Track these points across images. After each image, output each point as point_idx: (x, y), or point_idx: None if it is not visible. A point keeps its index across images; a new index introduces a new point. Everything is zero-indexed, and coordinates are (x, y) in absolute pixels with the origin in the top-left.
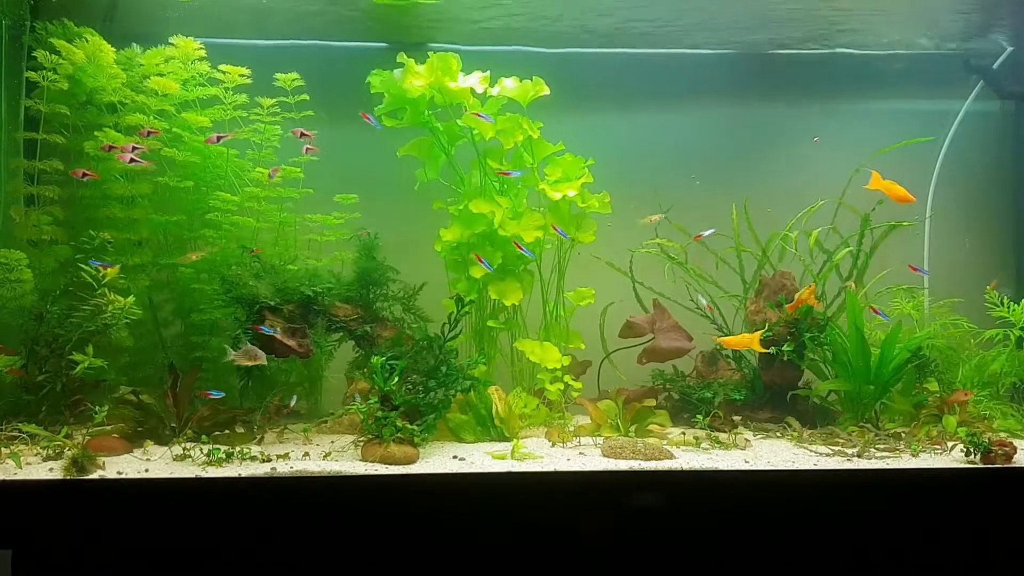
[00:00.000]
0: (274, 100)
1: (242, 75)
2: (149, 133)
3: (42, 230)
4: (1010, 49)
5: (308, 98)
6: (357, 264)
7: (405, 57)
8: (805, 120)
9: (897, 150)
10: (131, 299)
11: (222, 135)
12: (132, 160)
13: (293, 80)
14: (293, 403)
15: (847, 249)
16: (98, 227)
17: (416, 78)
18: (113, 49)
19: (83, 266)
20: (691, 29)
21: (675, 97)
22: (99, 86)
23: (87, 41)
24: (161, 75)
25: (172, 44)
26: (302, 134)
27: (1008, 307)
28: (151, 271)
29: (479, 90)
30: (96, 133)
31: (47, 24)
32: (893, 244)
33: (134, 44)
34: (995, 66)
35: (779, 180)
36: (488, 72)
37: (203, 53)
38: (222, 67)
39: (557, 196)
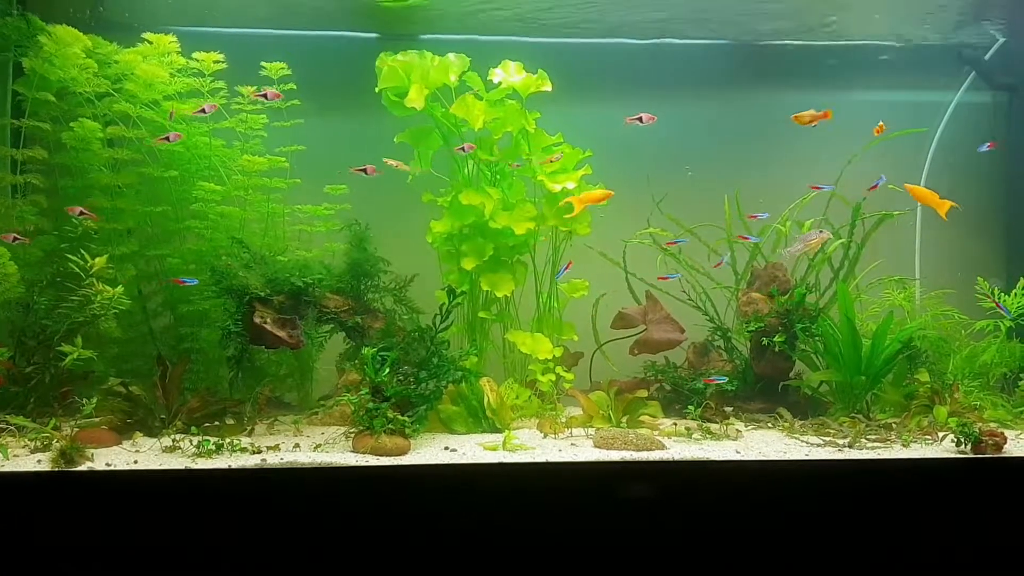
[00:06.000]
0: (254, 88)
1: (216, 61)
2: (171, 115)
3: (26, 220)
4: (1002, 40)
5: (295, 87)
6: (348, 255)
7: (388, 56)
8: (797, 111)
9: (889, 141)
10: (119, 289)
11: (176, 134)
12: (15, 239)
13: (280, 69)
14: None
15: (839, 240)
16: (83, 217)
17: (384, 81)
18: (88, 39)
19: (70, 256)
20: (684, 20)
21: (667, 88)
22: (70, 77)
23: (50, 35)
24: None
25: (147, 41)
26: (264, 95)
27: (998, 298)
28: (139, 262)
29: (452, 78)
30: (72, 124)
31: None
32: (884, 234)
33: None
34: (987, 57)
35: (771, 171)
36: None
37: (177, 47)
38: (196, 55)
39: (556, 188)
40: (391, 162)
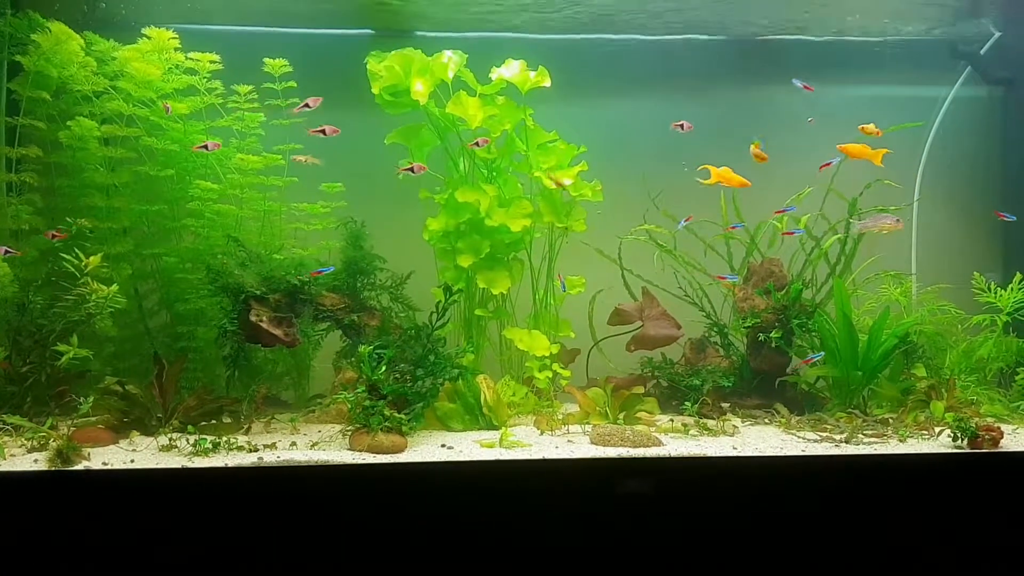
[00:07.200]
0: (250, 87)
1: (213, 61)
2: (167, 109)
3: (22, 219)
4: (997, 34)
5: (295, 85)
6: (344, 253)
7: (379, 55)
8: (793, 106)
9: (885, 135)
10: (115, 288)
11: (211, 143)
12: (6, 252)
13: (282, 67)
14: None
15: (835, 236)
16: (79, 216)
17: (383, 81)
18: (81, 41)
19: (65, 255)
20: (680, 15)
21: (663, 84)
22: (69, 75)
23: (49, 31)
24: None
25: (146, 36)
26: (322, 131)
27: (995, 292)
28: (135, 260)
29: (450, 74)
30: (69, 123)
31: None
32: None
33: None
34: (982, 51)
35: (768, 167)
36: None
37: (177, 43)
38: (193, 54)
39: (554, 184)
40: (301, 158)
